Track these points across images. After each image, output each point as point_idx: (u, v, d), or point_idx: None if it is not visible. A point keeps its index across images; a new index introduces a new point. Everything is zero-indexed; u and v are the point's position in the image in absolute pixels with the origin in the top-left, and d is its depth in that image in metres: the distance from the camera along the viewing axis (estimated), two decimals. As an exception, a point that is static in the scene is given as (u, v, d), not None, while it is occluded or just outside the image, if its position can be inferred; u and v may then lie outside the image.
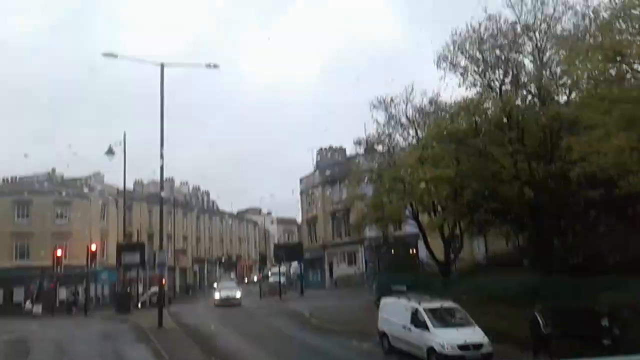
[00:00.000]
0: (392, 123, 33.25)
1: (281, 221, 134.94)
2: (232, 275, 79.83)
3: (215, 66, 31.21)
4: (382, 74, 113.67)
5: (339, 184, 61.56)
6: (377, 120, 33.45)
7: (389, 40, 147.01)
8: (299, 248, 52.29)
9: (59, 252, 40.43)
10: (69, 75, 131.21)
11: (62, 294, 52.46)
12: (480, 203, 28.08)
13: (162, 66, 30.56)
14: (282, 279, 70.25)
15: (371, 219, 34.69)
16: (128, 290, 46.73)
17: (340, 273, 58.96)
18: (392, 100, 32.10)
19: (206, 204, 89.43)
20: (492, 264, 39.31)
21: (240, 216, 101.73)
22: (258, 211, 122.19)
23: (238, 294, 44.61)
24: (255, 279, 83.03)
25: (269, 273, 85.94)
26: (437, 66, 26.60)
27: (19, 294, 51.38)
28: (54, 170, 58.70)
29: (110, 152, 41.57)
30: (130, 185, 60.43)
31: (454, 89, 36.46)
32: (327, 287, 59.64)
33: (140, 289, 51.55)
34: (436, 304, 21.46)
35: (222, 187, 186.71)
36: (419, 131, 32.61)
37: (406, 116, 32.54)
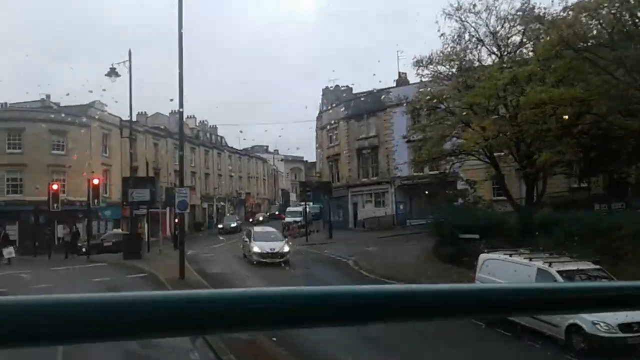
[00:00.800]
0: (467, 37, 26.45)
1: (288, 160, 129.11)
2: (237, 216, 73.85)
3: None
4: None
5: (366, 118, 55.13)
6: (444, 34, 26.59)
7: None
8: (327, 186, 46.33)
9: (54, 187, 34.41)
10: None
11: (60, 232, 46.92)
12: (595, 135, 21.75)
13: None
14: (299, 218, 65.41)
15: (436, 153, 28.09)
16: (139, 230, 41.12)
17: (367, 214, 53.17)
18: (474, 5, 25.15)
19: (214, 140, 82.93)
20: (548, 205, 33.45)
21: (249, 153, 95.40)
22: (265, 149, 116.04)
23: (286, 248, 29.54)
24: (261, 218, 76.59)
25: (282, 212, 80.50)
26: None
27: (12, 232, 45.55)
28: (48, 96, 52.03)
29: (112, 73, 34.90)
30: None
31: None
32: (353, 229, 54.07)
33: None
34: (571, 265, 15.55)
35: (227, 125, 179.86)
36: (501, 46, 25.95)
37: (488, 28, 25.75)
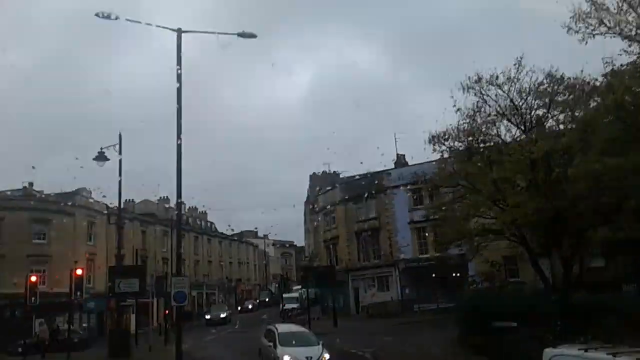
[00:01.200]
0: (487, 110, 24.32)
1: (277, 245, 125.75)
2: (226, 305, 69.54)
3: (252, 35, 21.35)
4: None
5: (365, 200, 52.79)
6: (459, 109, 24.35)
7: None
8: (331, 270, 43.18)
9: (33, 278, 30.92)
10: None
11: (37, 328, 42.94)
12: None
13: (180, 32, 21.37)
14: (296, 305, 61.45)
15: (462, 233, 25.19)
16: (125, 325, 37.48)
17: (370, 300, 49.73)
18: (497, 77, 23.10)
19: (204, 226, 79.96)
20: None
21: (239, 238, 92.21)
22: (254, 234, 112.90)
23: (326, 355, 20.92)
24: (250, 306, 71.81)
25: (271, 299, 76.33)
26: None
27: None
28: (31, 184, 49.28)
29: (101, 157, 32.38)
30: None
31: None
32: (355, 316, 50.38)
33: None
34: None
35: (214, 210, 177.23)
36: (525, 120, 23.87)
37: (510, 101, 23.70)
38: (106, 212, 51.63)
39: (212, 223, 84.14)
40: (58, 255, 44.91)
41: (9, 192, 47.30)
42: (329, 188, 60.01)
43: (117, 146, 31.75)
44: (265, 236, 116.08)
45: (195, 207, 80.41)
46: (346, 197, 54.54)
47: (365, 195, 52.21)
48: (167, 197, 71.02)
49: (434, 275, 47.64)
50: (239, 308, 66.17)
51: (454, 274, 46.96)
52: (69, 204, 47.50)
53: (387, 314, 45.91)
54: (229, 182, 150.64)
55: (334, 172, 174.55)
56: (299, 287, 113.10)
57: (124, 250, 53.47)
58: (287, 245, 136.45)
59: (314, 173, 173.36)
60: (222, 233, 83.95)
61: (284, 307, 61.37)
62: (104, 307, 48.50)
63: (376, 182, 51.09)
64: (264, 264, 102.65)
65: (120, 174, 31.88)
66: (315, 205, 60.60)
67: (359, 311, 51.50)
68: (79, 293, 28.67)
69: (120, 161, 31.61)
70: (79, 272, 28.90)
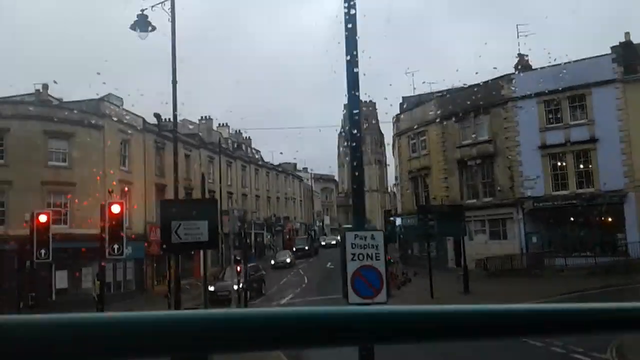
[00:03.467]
0: None
1: (318, 179, 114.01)
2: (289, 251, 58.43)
3: None
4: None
5: (472, 117, 39.78)
6: None
7: None
8: (459, 211, 30.79)
9: (42, 218, 19.06)
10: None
11: (62, 281, 31.86)
12: None
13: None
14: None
15: None
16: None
17: (479, 249, 37.09)
18: None
19: (250, 153, 67.71)
20: None
21: (285, 170, 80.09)
22: (293, 167, 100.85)
23: None
24: (288, 260, 54.41)
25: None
26: None
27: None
28: (46, 86, 36.78)
29: (143, 23, 19.40)
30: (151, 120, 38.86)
31: None
32: (454, 270, 38.29)
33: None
34: None
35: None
36: None
37: None
38: (142, 128, 39.42)
39: (257, 151, 71.93)
40: (83, 182, 33.05)
41: (15, 99, 34.95)
42: (413, 104, 46.78)
43: (167, 4, 18.77)
44: (305, 169, 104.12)
45: (239, 130, 67.93)
46: (444, 114, 41.42)
47: (474, 110, 39.19)
48: (209, 116, 58.60)
49: (571, 218, 35.36)
50: (272, 262, 52.02)
51: (602, 219, 34.72)
52: (95, 117, 35.14)
53: (512, 272, 33.81)
54: (256, 112, 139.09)
55: (371, 101, 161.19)
56: (349, 226, 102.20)
57: (165, 179, 41.77)
58: (329, 180, 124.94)
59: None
60: (269, 163, 71.81)
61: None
62: (142, 252, 37.10)
63: (493, 91, 37.82)
64: (308, 200, 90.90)
65: (173, 50, 18.86)
66: (396, 126, 47.61)
67: (461, 264, 39.06)
68: (116, 246, 16.53)
69: (172, 26, 18.62)
70: (115, 209, 16.68)
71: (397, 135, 47.10)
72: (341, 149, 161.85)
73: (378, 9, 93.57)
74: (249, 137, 70.09)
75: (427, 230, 29.73)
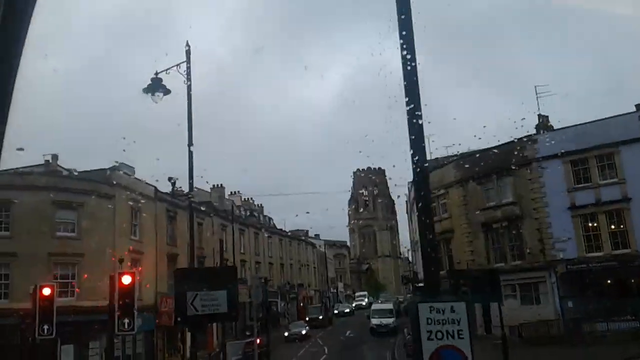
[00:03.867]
0: None
1: (330, 245, 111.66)
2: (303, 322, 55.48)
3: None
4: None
5: (495, 179, 38.24)
6: None
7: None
8: (493, 277, 28.71)
9: (45, 291, 17.24)
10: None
11: (68, 356, 29.64)
12: None
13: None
14: (391, 321, 47.07)
15: None
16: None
17: (512, 314, 34.44)
18: None
19: (262, 220, 66.10)
20: None
21: (297, 237, 78.20)
22: (305, 233, 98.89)
23: None
24: (303, 331, 50.14)
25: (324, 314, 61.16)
26: None
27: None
28: (55, 157, 35.75)
29: (157, 86, 18.21)
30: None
31: None
32: (486, 338, 35.63)
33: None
34: None
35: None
36: None
37: None
38: (154, 197, 38.08)
39: (270, 218, 70.34)
40: (91, 253, 31.38)
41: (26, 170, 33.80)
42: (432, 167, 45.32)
43: (183, 67, 17.72)
44: (317, 235, 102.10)
45: (251, 199, 66.63)
46: (465, 176, 39.94)
47: (496, 172, 37.68)
48: (221, 184, 57.36)
49: (608, 281, 33.17)
50: (285, 334, 48.97)
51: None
52: (105, 186, 33.87)
53: (550, 338, 31.32)
54: (264, 184, 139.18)
55: (379, 168, 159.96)
56: (364, 294, 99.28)
57: (177, 248, 40.09)
58: (341, 246, 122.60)
59: (357, 169, 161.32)
60: (281, 229, 70.06)
61: (373, 323, 47.37)
62: (152, 324, 34.98)
63: (515, 152, 36.39)
64: (322, 267, 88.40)
65: (189, 114, 17.64)
66: (410, 193, 46.00)
67: (491, 331, 36.39)
68: (127, 321, 14.68)
69: (189, 90, 17.48)
70: (126, 280, 14.90)
71: (415, 198, 45.36)
72: (352, 215, 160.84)
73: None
74: (261, 204, 68.78)
75: (460, 296, 27.51)
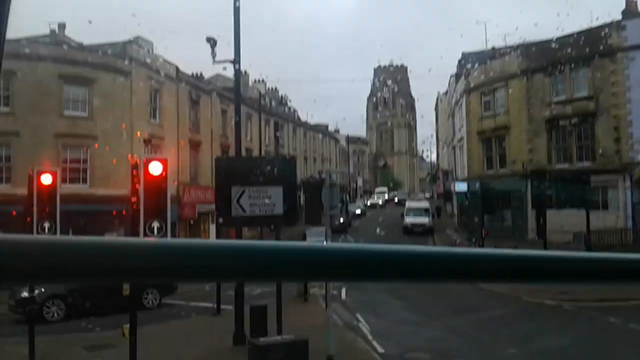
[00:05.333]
0: None
1: (353, 141, 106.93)
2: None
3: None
4: None
5: (569, 71, 32.64)
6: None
7: None
8: (584, 177, 24.20)
9: (45, 179, 12.79)
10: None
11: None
12: None
13: None
14: (426, 220, 43.33)
15: None
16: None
17: (572, 220, 29.98)
18: None
19: (286, 111, 61.16)
20: None
21: (322, 130, 73.58)
22: (325, 128, 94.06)
23: None
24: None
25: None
26: None
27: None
28: (62, 26, 30.35)
29: None
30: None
31: None
32: (533, 240, 31.51)
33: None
34: None
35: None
36: None
37: None
38: (176, 76, 33.03)
39: (295, 110, 65.41)
40: (105, 136, 26.92)
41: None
42: (489, 56, 39.51)
43: None
44: (337, 131, 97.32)
45: (275, 88, 61.25)
46: (531, 68, 34.37)
47: (570, 62, 32.07)
48: (245, 71, 51.80)
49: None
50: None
51: None
52: (121, 60, 28.71)
53: (622, 249, 27.25)
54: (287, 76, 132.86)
55: (402, 65, 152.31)
56: (384, 190, 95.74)
57: (200, 135, 35.63)
58: (361, 142, 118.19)
59: (378, 66, 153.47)
60: (306, 122, 65.32)
61: (407, 222, 43.52)
62: (175, 216, 31.15)
63: (597, 40, 30.61)
64: (343, 162, 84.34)
65: None
66: (467, 82, 40.43)
67: (543, 236, 32.08)
68: (156, 224, 10.27)
69: None
70: (155, 168, 10.32)
71: (467, 91, 39.92)
72: (370, 112, 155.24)
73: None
74: (286, 94, 63.49)
75: (541, 196, 23.15)
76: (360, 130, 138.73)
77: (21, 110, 25.29)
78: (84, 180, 26.10)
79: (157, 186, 10.40)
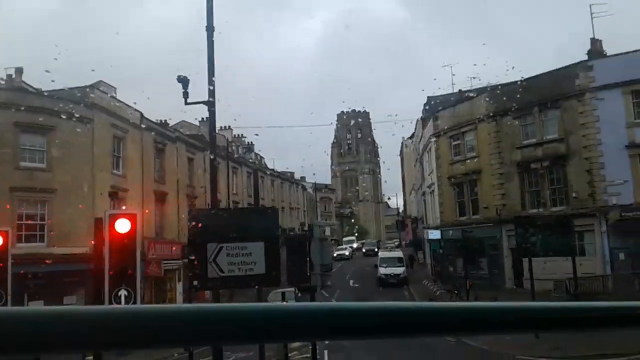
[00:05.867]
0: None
1: (320, 188, 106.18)
2: None
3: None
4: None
5: (537, 113, 32.90)
6: None
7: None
8: (568, 223, 23.51)
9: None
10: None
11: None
12: None
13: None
14: (401, 271, 42.17)
15: None
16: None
17: (550, 268, 29.40)
18: None
19: (254, 159, 60.02)
20: None
21: (289, 178, 72.59)
22: (292, 175, 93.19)
23: None
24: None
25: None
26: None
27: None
28: (19, 70, 28.91)
29: None
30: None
31: None
32: (511, 290, 30.77)
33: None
34: None
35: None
36: None
37: None
38: (139, 122, 31.69)
39: (262, 157, 64.36)
40: (65, 189, 25.22)
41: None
42: (451, 101, 39.49)
43: None
44: (302, 178, 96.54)
45: (241, 135, 60.30)
46: (499, 110, 34.36)
47: (539, 105, 32.17)
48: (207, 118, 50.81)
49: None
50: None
51: None
52: (82, 106, 27.30)
53: (603, 295, 26.62)
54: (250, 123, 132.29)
55: (364, 110, 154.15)
56: (352, 239, 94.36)
57: (166, 186, 34.17)
58: (328, 189, 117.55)
59: (342, 112, 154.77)
60: (273, 170, 64.25)
61: (382, 273, 42.27)
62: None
63: (563, 83, 30.83)
64: (310, 210, 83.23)
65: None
66: (435, 126, 40.19)
67: (522, 285, 31.38)
68: (124, 293, 8.91)
69: None
70: (122, 226, 8.98)
71: (436, 135, 39.66)
72: (335, 159, 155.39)
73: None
74: (252, 142, 62.47)
75: (525, 246, 22.39)
76: (325, 178, 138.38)
77: (-28, 162, 23.52)
78: (41, 239, 24.22)
79: (124, 246, 9.07)
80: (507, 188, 33.90)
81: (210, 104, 12.24)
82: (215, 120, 12.85)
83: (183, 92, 12.62)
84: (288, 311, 0.79)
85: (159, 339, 0.73)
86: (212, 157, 14.21)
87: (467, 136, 36.98)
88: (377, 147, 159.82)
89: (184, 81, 12.57)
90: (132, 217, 9.05)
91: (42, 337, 0.65)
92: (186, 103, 12.79)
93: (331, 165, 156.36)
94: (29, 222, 23.83)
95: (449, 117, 38.59)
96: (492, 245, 34.59)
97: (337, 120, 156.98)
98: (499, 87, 35.26)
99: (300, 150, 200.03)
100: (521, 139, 33.33)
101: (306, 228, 54.48)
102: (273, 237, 12.48)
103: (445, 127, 38.41)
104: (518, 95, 32.62)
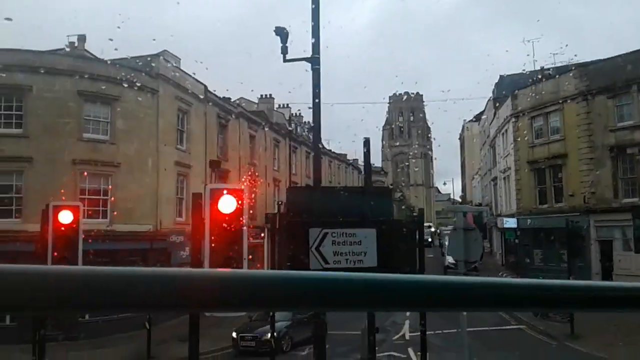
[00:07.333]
0: None
1: (373, 171, 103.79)
2: None
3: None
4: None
5: (636, 92, 29.38)
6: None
7: None
8: None
9: (63, 216, 9.60)
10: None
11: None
12: None
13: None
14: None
15: None
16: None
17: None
18: None
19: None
20: None
21: (346, 160, 70.55)
22: (344, 157, 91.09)
23: None
24: None
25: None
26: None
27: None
28: (82, 38, 27.57)
29: None
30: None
31: None
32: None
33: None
34: None
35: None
36: None
37: None
38: (204, 97, 30.05)
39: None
40: (129, 163, 23.79)
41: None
42: (539, 78, 36.28)
43: None
44: (355, 160, 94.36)
45: (299, 113, 58.27)
46: (590, 89, 31.14)
47: (637, 83, 28.87)
48: (270, 94, 49.09)
49: None
50: None
51: None
52: (146, 77, 25.72)
53: None
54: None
55: (417, 93, 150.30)
56: (429, 223, 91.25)
57: (228, 163, 32.51)
58: (379, 173, 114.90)
59: (394, 94, 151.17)
60: (330, 150, 62.23)
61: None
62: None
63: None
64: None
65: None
66: (514, 105, 37.15)
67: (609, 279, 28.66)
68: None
69: None
70: (226, 204, 7.04)
71: (514, 115, 36.65)
72: (386, 141, 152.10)
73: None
74: (309, 121, 60.31)
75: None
76: (375, 161, 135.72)
77: (35, 133, 22.21)
78: (104, 215, 22.85)
79: (230, 229, 7.06)
80: (598, 174, 30.78)
81: (315, 61, 10.14)
82: (319, 83, 10.69)
83: (282, 47, 10.53)
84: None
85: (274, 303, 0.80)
86: (309, 126, 12.03)
87: (551, 117, 33.87)
88: (430, 130, 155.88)
89: (282, 34, 10.48)
90: (238, 192, 7.04)
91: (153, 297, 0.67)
92: (285, 60, 10.73)
93: (382, 148, 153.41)
94: (92, 197, 22.46)
95: (530, 96, 35.51)
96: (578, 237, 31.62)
97: (389, 103, 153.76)
98: (589, 64, 32.02)
99: (350, 130, 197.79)
100: (615, 120, 30.10)
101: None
102: (387, 224, 10.38)
103: (527, 108, 35.37)
104: (612, 73, 29.44)
